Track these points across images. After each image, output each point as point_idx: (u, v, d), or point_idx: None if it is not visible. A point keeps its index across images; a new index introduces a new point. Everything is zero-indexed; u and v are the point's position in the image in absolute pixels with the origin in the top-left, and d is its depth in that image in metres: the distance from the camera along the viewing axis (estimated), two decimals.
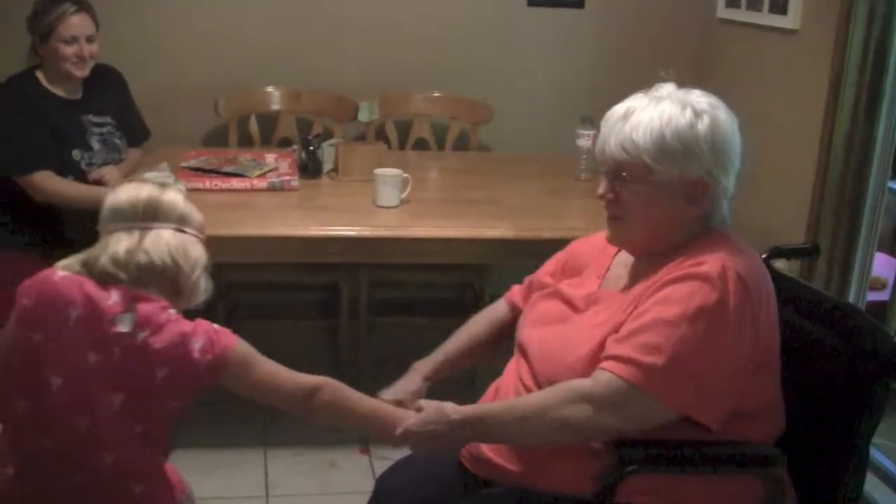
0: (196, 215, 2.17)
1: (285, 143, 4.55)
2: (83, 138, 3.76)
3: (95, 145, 3.78)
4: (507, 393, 2.32)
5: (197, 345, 2.02)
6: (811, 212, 3.84)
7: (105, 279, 2.02)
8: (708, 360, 2.02)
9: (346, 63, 4.74)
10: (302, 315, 4.83)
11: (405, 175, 3.62)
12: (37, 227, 3.69)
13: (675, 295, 2.06)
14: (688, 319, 2.02)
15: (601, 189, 2.23)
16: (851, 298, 3.83)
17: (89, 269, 2.04)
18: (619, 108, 2.20)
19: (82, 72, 3.70)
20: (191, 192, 3.43)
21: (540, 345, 2.28)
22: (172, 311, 2.04)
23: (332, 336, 4.59)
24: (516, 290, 2.64)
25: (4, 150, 3.60)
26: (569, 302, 2.32)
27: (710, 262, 2.07)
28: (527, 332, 2.36)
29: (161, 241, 2.06)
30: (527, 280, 2.61)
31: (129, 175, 3.69)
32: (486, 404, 2.25)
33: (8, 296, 3.41)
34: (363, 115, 4.63)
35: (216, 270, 4.12)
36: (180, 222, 2.12)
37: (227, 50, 4.65)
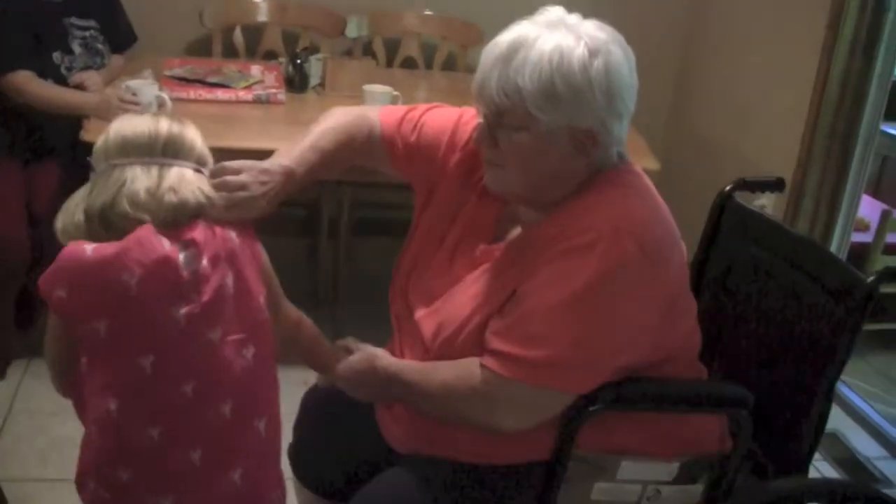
0: (209, 156, 1.95)
1: (270, 55, 4.46)
2: (64, 41, 3.65)
3: (77, 49, 3.67)
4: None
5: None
6: (801, 149, 3.82)
7: (126, 226, 1.77)
8: (600, 338, 1.88)
9: None
10: (281, 232, 4.77)
11: (395, 93, 3.55)
12: (15, 133, 3.61)
13: (560, 274, 1.87)
14: (574, 301, 1.84)
15: (476, 134, 1.99)
16: (836, 239, 3.86)
17: (103, 220, 1.79)
18: (502, 41, 1.91)
19: None
20: (174, 102, 3.41)
21: (430, 329, 2.09)
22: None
23: (312, 254, 4.55)
24: (390, 123, 2.26)
25: None
26: (457, 277, 2.11)
27: (599, 226, 1.86)
28: (419, 310, 2.16)
29: (186, 180, 1.84)
30: (405, 115, 2.27)
31: (110, 81, 3.63)
32: (407, 366, 2.07)
33: None
34: (351, 31, 4.54)
35: None
36: (199, 162, 1.90)
37: None
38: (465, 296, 2.04)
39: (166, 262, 1.75)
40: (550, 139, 1.89)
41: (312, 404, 2.42)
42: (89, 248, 1.74)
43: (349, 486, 2.14)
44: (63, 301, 1.73)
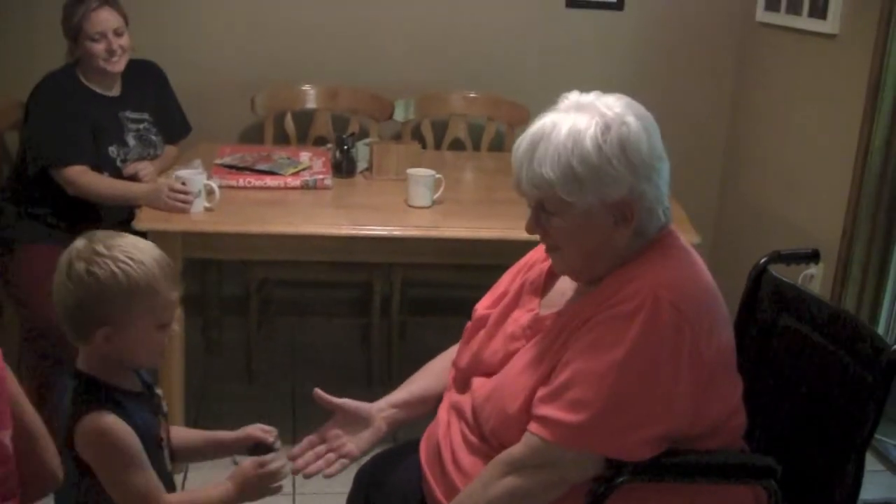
0: None
1: (321, 141, 4.55)
2: (119, 134, 3.77)
3: (131, 141, 3.80)
4: (439, 441, 2.26)
5: None
6: (847, 217, 3.83)
7: None
8: (640, 403, 1.93)
9: (383, 61, 4.73)
10: (335, 313, 4.84)
11: (438, 175, 3.61)
12: (74, 221, 3.71)
13: (602, 340, 1.96)
14: (615, 368, 1.92)
15: (527, 224, 2.10)
16: (886, 305, 3.85)
17: None
18: (525, 137, 2.03)
19: (115, 66, 3.70)
20: (224, 190, 3.50)
21: (482, 395, 2.18)
22: None
23: (365, 334, 4.60)
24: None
25: (42, 144, 3.63)
26: (512, 337, 2.22)
27: (641, 295, 1.95)
28: (472, 379, 2.27)
29: None
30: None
31: (163, 171, 3.74)
32: None
33: (44, 287, 3.48)
34: (399, 114, 4.63)
35: (249, 267, 4.13)
36: None
37: (265, 47, 4.66)
38: (518, 365, 2.12)
39: None
40: (589, 217, 2.00)
41: (365, 479, 2.46)
42: None
43: None
44: None
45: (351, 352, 4.70)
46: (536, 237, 2.14)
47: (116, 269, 1.88)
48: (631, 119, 1.99)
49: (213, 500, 2.09)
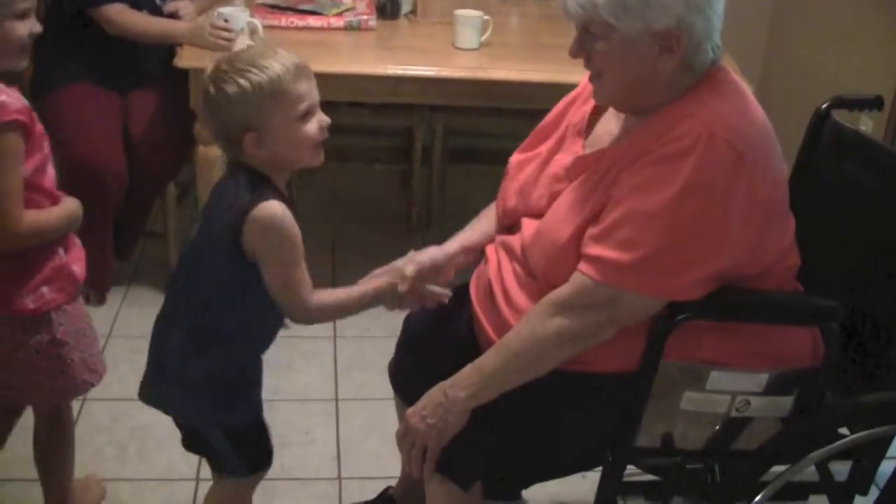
0: None
1: None
2: None
3: None
4: (490, 280, 2.23)
5: None
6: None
7: None
8: (693, 243, 1.89)
9: None
10: (376, 159, 4.79)
11: (486, 17, 3.54)
12: (111, 62, 3.66)
13: (655, 179, 1.90)
14: (667, 207, 1.87)
15: (571, 47, 2.01)
16: None
17: None
18: None
19: None
20: (266, 30, 3.43)
21: (530, 234, 2.14)
22: None
23: (406, 181, 4.56)
24: None
25: None
26: (556, 179, 2.17)
27: (694, 132, 1.88)
28: (522, 220, 2.22)
29: None
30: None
31: (203, 11, 3.66)
32: (480, 361, 2.08)
33: (84, 127, 3.45)
34: None
35: None
36: None
37: None
38: (564, 203, 2.07)
39: None
40: (633, 43, 1.92)
41: (415, 324, 2.48)
42: None
43: None
44: None
45: (391, 199, 4.68)
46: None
47: (241, 80, 1.98)
48: None
49: (369, 295, 2.20)
